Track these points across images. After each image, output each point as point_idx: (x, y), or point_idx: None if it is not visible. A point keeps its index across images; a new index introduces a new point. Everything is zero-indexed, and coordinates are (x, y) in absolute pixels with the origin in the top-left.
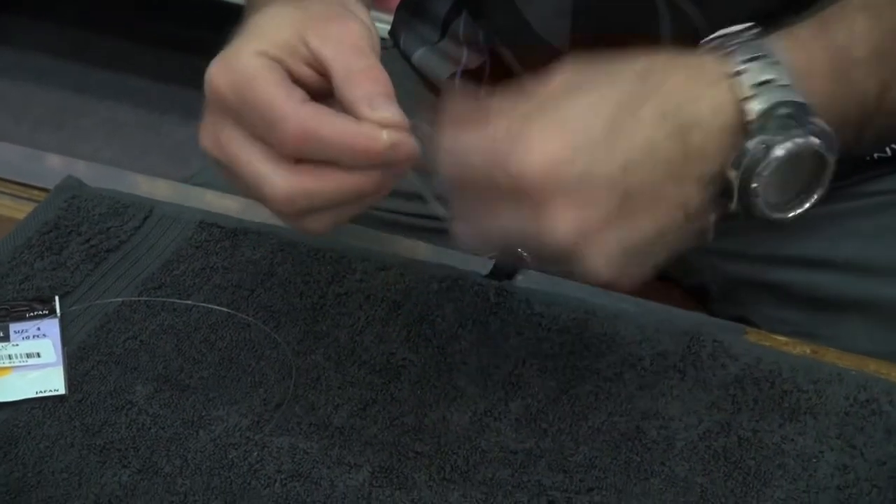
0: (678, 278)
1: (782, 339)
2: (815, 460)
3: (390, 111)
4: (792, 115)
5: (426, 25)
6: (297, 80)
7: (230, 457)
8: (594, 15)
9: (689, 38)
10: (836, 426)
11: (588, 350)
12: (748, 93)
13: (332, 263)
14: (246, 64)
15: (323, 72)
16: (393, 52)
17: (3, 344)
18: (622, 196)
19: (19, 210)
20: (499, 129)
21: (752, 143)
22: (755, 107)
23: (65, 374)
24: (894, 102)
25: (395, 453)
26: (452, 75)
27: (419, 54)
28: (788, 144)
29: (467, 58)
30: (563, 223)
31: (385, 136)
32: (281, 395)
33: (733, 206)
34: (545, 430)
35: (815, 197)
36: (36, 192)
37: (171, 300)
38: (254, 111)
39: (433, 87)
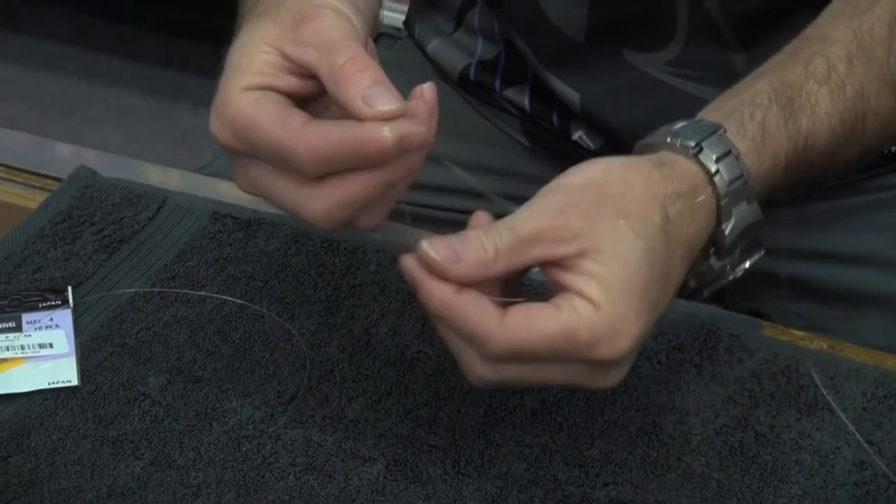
0: None
1: (799, 333)
2: (832, 456)
3: (385, 102)
4: (754, 238)
5: (441, 16)
6: (292, 94)
7: (244, 449)
8: (611, 5)
9: (705, 29)
10: (853, 422)
11: None
12: (728, 218)
13: (346, 255)
14: (237, 109)
15: (310, 73)
16: (407, 42)
17: (16, 334)
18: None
19: (31, 199)
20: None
21: (717, 265)
22: (730, 231)
23: (77, 366)
24: (835, 167)
25: (410, 446)
26: (467, 66)
27: (434, 45)
28: (745, 266)
29: (482, 49)
30: (619, 375)
31: (387, 131)
32: (295, 388)
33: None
34: (560, 424)
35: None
36: (48, 181)
37: (185, 291)
38: (265, 151)
39: (448, 79)
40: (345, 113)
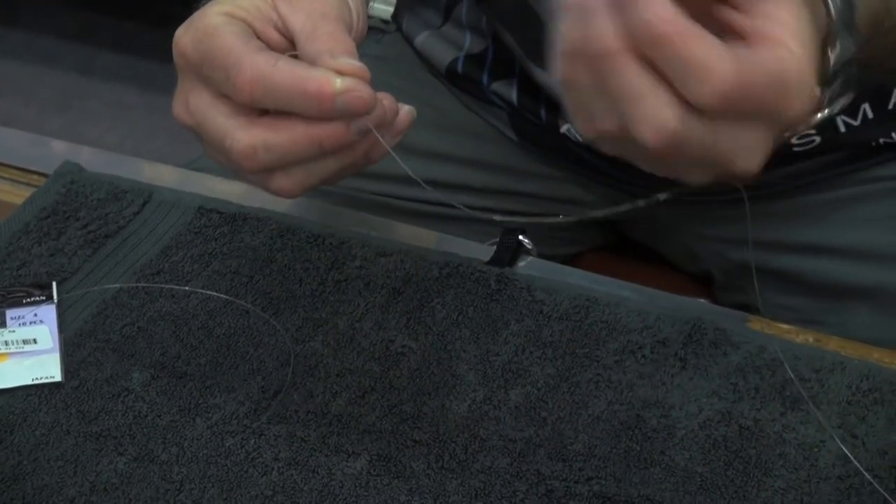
0: (682, 265)
1: (785, 326)
2: (816, 450)
3: (351, 62)
4: (851, 76)
5: (428, 10)
6: (264, 42)
7: (227, 445)
8: None
9: None
10: (837, 415)
11: (588, 338)
12: (833, 45)
13: (331, 250)
14: (208, 22)
15: (291, 38)
16: (395, 35)
17: (0, 330)
18: None
19: (18, 195)
20: None
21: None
22: (835, 59)
23: (61, 361)
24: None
25: (394, 441)
26: (455, 60)
27: (421, 38)
28: (842, 101)
29: (470, 42)
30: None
31: (339, 82)
32: (279, 383)
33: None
34: (545, 418)
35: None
36: (35, 177)
37: (170, 286)
38: (213, 62)
39: (435, 72)
40: None
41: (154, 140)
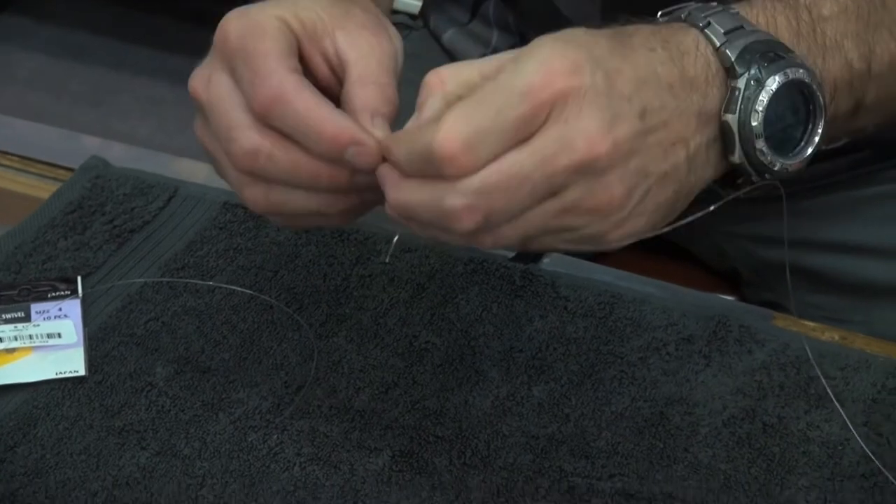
0: (710, 263)
1: (811, 324)
2: (840, 448)
3: (380, 134)
4: (770, 52)
5: (456, 7)
6: (305, 64)
7: (249, 440)
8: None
9: None
10: (862, 413)
11: (613, 334)
12: (721, 40)
13: (356, 245)
14: (261, 19)
15: (336, 71)
16: (423, 32)
17: (25, 324)
18: (640, 114)
19: (45, 189)
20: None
21: (741, 82)
22: (731, 51)
23: (85, 356)
24: (883, 64)
25: (416, 437)
26: (483, 56)
27: (449, 35)
28: (779, 76)
29: (497, 39)
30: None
31: (373, 136)
32: (302, 378)
33: (736, 156)
34: (567, 415)
35: (816, 141)
36: (62, 171)
37: (194, 281)
38: (246, 60)
39: None
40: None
41: (185, 135)
